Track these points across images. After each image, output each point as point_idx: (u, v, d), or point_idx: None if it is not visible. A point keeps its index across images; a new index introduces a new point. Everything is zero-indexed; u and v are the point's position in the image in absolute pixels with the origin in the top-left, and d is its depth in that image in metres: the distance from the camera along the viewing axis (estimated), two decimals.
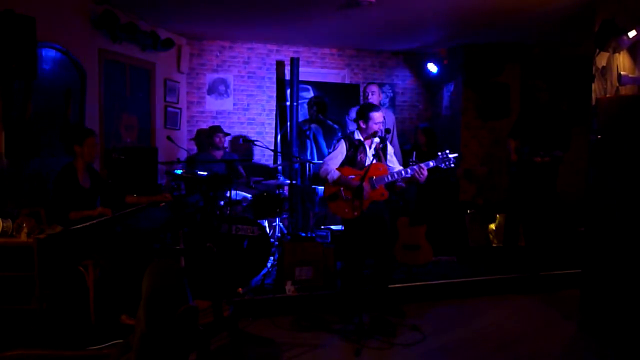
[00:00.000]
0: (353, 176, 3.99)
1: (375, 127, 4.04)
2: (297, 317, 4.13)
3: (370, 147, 4.12)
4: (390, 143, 4.81)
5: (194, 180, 4.54)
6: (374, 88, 5.49)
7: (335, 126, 6.37)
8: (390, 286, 4.38)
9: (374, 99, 5.43)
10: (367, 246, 4.09)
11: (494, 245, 5.95)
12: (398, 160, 4.40)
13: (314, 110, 6.40)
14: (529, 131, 5.27)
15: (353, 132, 4.19)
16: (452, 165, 3.99)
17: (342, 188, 4.02)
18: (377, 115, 4.05)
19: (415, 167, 3.94)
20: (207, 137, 6.19)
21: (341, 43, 7.30)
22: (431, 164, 3.98)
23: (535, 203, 5.27)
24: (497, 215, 6.02)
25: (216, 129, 6.05)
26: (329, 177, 4.05)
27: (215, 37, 7.01)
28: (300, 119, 6.62)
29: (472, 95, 7.05)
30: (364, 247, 4.08)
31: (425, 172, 3.94)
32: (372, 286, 4.22)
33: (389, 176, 4.02)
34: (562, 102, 6.64)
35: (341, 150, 4.12)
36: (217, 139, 5.95)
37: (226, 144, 6.34)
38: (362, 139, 4.12)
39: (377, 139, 4.09)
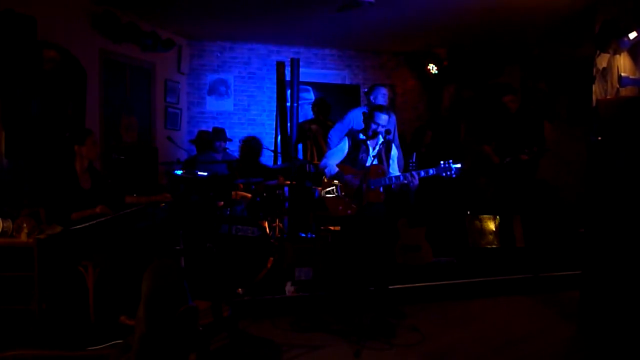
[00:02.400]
0: (351, 175, 4.02)
1: (381, 129, 4.06)
2: (296, 318, 4.12)
3: (373, 148, 4.13)
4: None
5: (195, 181, 4.54)
6: (384, 90, 5.32)
7: None
8: (389, 287, 4.37)
9: (383, 100, 5.39)
10: (366, 247, 4.10)
11: (493, 246, 5.95)
12: (399, 161, 4.40)
13: (315, 111, 6.42)
14: (502, 135, 5.36)
15: (359, 131, 4.20)
16: (454, 175, 3.91)
17: (339, 185, 4.05)
18: (384, 117, 4.06)
19: (407, 174, 3.92)
20: (209, 139, 6.15)
21: (341, 44, 7.30)
22: (431, 172, 3.94)
23: (523, 196, 5.38)
24: (497, 216, 6.02)
25: (219, 135, 5.97)
26: (326, 171, 4.11)
27: (215, 37, 7.01)
28: (301, 119, 6.62)
29: (472, 96, 7.05)
30: (363, 247, 4.09)
31: (417, 181, 3.94)
32: (372, 287, 4.22)
33: (387, 179, 4.02)
34: (537, 92, 6.73)
35: (343, 147, 4.15)
36: (218, 145, 5.91)
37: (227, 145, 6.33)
38: (366, 138, 4.13)
39: (380, 140, 4.10)
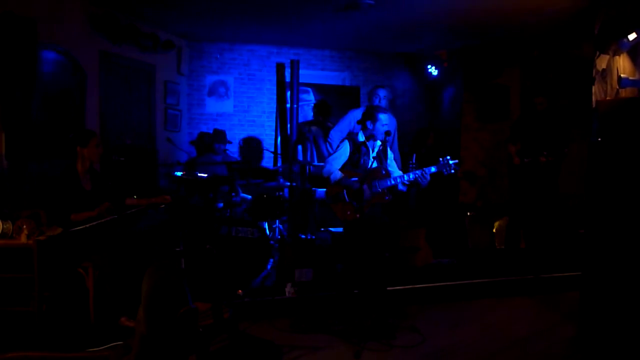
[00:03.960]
0: (356, 178, 4.01)
1: (382, 130, 4.06)
2: (297, 319, 4.12)
3: (372, 150, 4.13)
4: (391, 146, 4.81)
5: (195, 183, 4.54)
6: (385, 92, 5.31)
7: None
8: (389, 288, 4.37)
9: (383, 103, 5.38)
10: (367, 248, 4.10)
11: (493, 247, 5.95)
12: (398, 163, 4.39)
13: (315, 112, 6.43)
14: (528, 135, 5.33)
15: (357, 133, 4.19)
16: (453, 171, 4.02)
17: (345, 190, 4.03)
18: (384, 118, 4.07)
19: (418, 171, 3.98)
20: (209, 141, 6.15)
21: (341, 45, 7.31)
22: (433, 169, 4.02)
23: (538, 203, 5.35)
24: (497, 218, 6.02)
25: (219, 137, 5.97)
26: (331, 177, 4.08)
27: (215, 38, 7.02)
28: (301, 120, 6.63)
29: (472, 97, 7.06)
30: (363, 248, 4.09)
31: (429, 177, 4.00)
32: (372, 288, 4.22)
33: (392, 180, 4.03)
34: (561, 101, 6.70)
35: (344, 151, 4.13)
36: (217, 146, 5.91)
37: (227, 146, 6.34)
38: (365, 140, 4.13)
39: (379, 142, 4.11)
